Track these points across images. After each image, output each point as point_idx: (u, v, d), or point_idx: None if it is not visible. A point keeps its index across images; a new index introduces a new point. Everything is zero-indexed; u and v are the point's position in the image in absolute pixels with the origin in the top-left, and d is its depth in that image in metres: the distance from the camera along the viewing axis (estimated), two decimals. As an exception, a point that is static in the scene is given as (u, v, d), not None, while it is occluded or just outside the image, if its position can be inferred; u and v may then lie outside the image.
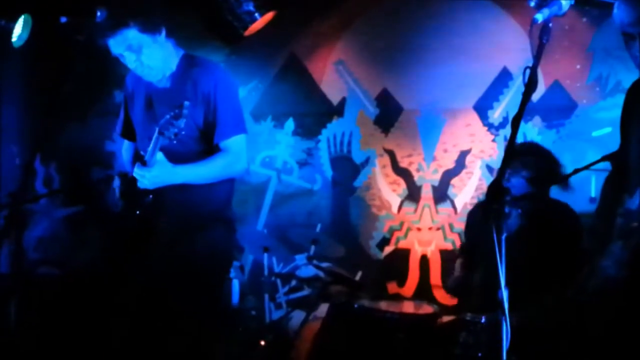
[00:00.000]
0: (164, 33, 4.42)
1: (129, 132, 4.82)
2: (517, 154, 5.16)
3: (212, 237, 4.47)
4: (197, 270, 4.36)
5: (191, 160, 4.36)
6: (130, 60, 4.39)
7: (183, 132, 4.13)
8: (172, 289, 4.31)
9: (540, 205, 5.11)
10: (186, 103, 4.10)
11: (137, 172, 4.25)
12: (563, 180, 4.70)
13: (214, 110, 4.35)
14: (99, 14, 4.77)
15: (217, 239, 4.52)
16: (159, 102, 4.50)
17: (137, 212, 4.37)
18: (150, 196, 4.32)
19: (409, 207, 6.73)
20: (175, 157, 4.27)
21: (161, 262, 4.36)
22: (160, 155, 4.20)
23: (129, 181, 4.47)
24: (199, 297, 4.37)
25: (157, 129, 4.12)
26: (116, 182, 4.60)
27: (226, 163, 4.42)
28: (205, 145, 4.44)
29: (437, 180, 6.64)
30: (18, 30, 5.81)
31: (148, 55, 4.37)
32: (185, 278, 4.31)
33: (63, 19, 4.93)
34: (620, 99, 3.96)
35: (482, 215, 5.38)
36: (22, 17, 5.82)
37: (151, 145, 4.20)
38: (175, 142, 4.13)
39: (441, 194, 6.63)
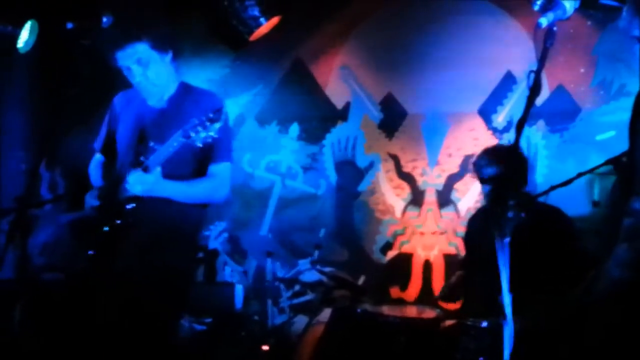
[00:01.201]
0: (171, 55, 4.47)
1: (107, 150, 4.83)
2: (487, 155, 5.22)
3: (176, 256, 4.45)
4: (158, 284, 4.35)
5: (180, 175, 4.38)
6: (137, 73, 4.40)
7: (216, 136, 4.14)
8: (135, 297, 4.31)
9: (533, 211, 5.12)
10: (223, 108, 4.13)
11: (136, 177, 4.24)
12: (566, 184, 4.69)
13: (214, 137, 4.35)
14: (104, 20, 4.79)
15: (180, 258, 4.50)
16: (152, 123, 4.50)
17: (118, 221, 4.37)
18: (133, 205, 4.32)
19: (412, 212, 6.73)
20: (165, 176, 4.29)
21: (125, 272, 4.36)
22: (158, 169, 4.22)
23: (106, 194, 4.47)
24: (157, 308, 4.36)
25: (180, 132, 4.10)
26: (89, 199, 4.61)
27: (211, 186, 4.46)
28: (196, 167, 4.45)
29: (441, 185, 6.65)
30: (24, 35, 5.85)
31: (154, 71, 4.40)
32: (146, 288, 4.31)
33: (69, 25, 4.95)
34: (624, 103, 3.98)
35: (485, 220, 5.38)
36: (29, 23, 5.85)
37: (164, 149, 4.19)
38: (200, 145, 4.13)
39: (445, 199, 6.64)
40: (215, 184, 4.46)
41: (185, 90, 4.58)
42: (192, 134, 4.06)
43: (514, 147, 3.49)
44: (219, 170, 4.46)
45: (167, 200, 4.36)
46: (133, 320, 4.29)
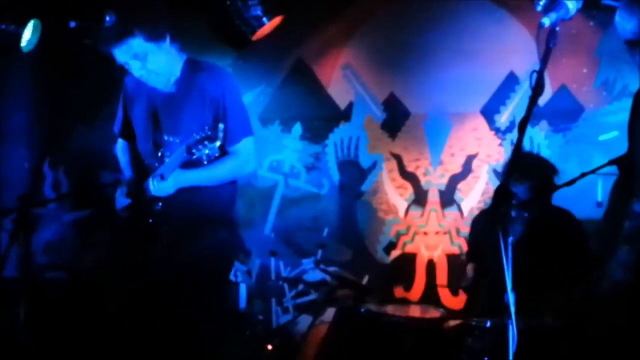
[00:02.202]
0: (168, 39, 4.44)
1: (127, 132, 4.83)
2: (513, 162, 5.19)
3: (216, 240, 4.48)
4: (201, 273, 4.37)
5: (197, 164, 4.36)
6: (135, 68, 4.40)
7: (217, 155, 4.15)
8: (177, 291, 4.32)
9: (543, 213, 5.12)
10: (221, 125, 4.12)
11: (155, 185, 4.25)
12: (570, 184, 4.70)
13: (224, 116, 4.36)
14: (107, 18, 4.79)
15: (221, 241, 4.53)
16: (163, 108, 4.52)
17: (150, 220, 4.38)
18: (160, 204, 4.34)
19: (415, 212, 6.74)
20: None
21: (165, 266, 4.37)
22: (171, 176, 4.23)
23: (136, 191, 4.49)
24: (203, 299, 4.38)
25: (184, 146, 4.11)
26: (120, 192, 4.62)
27: (235, 165, 4.47)
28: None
29: (443, 185, 6.65)
30: (27, 35, 5.85)
31: (153, 62, 4.38)
32: (189, 280, 4.32)
33: (72, 24, 4.96)
34: (627, 103, 3.96)
35: (488, 219, 5.38)
36: (32, 22, 5.85)
37: (171, 160, 4.21)
38: (206, 162, 4.15)
39: (448, 198, 6.64)
40: (240, 160, 4.48)
41: (191, 69, 4.55)
42: (195, 152, 4.08)
43: (516, 149, 3.49)
44: (240, 147, 4.46)
45: (192, 188, 4.37)
46: (173, 322, 4.30)
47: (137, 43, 4.32)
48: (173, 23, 4.59)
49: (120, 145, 4.98)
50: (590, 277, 4.20)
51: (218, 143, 4.09)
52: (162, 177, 4.21)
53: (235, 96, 4.49)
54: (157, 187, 4.24)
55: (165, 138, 4.40)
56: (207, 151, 4.08)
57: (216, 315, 4.60)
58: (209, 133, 4.05)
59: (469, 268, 5.65)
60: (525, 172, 5.06)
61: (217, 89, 4.41)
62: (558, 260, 4.98)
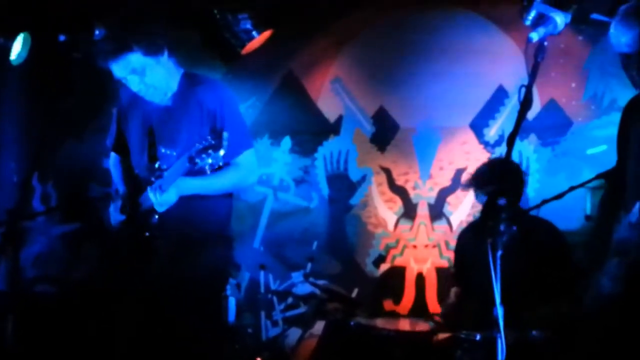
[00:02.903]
0: (166, 53, 4.43)
1: (120, 146, 4.82)
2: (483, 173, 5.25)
3: (211, 255, 4.45)
4: (196, 288, 4.35)
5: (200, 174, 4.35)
6: (134, 83, 4.39)
7: (221, 164, 4.11)
8: (171, 305, 4.30)
9: (524, 225, 5.14)
10: (225, 134, 4.06)
11: (157, 198, 4.22)
12: (558, 198, 4.71)
13: (221, 129, 4.33)
14: (97, 32, 4.78)
15: (216, 256, 4.51)
16: (159, 121, 4.50)
17: (147, 233, 4.36)
18: (156, 217, 4.32)
19: (405, 225, 6.74)
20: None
21: (160, 280, 4.35)
22: (171, 187, 4.21)
23: (131, 205, 4.48)
24: (197, 313, 4.36)
25: (186, 156, 4.07)
26: (114, 207, 4.61)
27: (238, 176, 4.46)
28: None
29: (433, 198, 6.66)
30: (17, 48, 5.84)
31: (152, 76, 4.37)
32: (183, 295, 4.30)
33: (61, 37, 4.96)
34: (615, 117, 3.99)
35: (477, 233, 5.40)
36: (21, 35, 5.85)
37: (171, 171, 4.19)
38: (209, 171, 4.12)
39: (437, 212, 6.65)
40: (242, 171, 4.47)
41: (187, 84, 4.53)
42: (198, 161, 4.04)
43: (506, 161, 3.51)
44: (243, 159, 4.45)
45: (191, 198, 4.34)
46: (168, 333, 4.28)
47: (136, 58, 4.31)
48: (167, 34, 4.59)
49: (113, 159, 4.97)
50: (575, 289, 4.22)
51: (222, 152, 4.02)
52: (161, 189, 4.19)
53: (233, 109, 4.49)
54: (160, 200, 4.21)
55: (162, 150, 4.37)
56: (210, 160, 4.01)
57: (211, 330, 4.58)
58: (213, 142, 4.00)
59: (452, 293, 5.67)
60: (491, 178, 5.10)
61: (214, 102, 4.40)
62: (543, 272, 4.99)
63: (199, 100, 4.40)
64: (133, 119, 4.65)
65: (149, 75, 4.37)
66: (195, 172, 4.16)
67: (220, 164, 4.09)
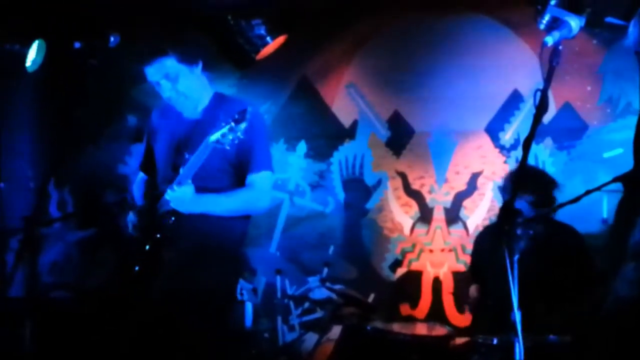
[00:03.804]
0: (200, 65, 4.46)
1: (147, 166, 4.83)
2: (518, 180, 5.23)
3: (219, 274, 4.42)
4: (200, 304, 4.33)
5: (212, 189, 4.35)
6: (166, 88, 4.40)
7: (242, 137, 4.12)
8: (174, 317, 4.29)
9: (547, 229, 5.13)
10: (249, 108, 4.10)
11: (172, 193, 4.23)
12: (575, 202, 4.70)
13: (249, 144, 4.33)
14: (112, 39, 4.81)
15: (224, 276, 4.48)
16: (187, 134, 4.48)
17: (158, 235, 4.36)
18: (173, 218, 4.32)
19: (421, 229, 6.74)
20: (202, 187, 4.27)
21: (165, 292, 4.34)
22: (189, 182, 4.20)
23: (146, 205, 4.49)
24: (199, 328, 4.34)
25: (207, 139, 4.10)
26: (130, 217, 4.61)
27: (249, 197, 4.40)
28: (236, 179, 4.42)
29: (449, 202, 6.66)
30: (32, 55, 5.88)
31: (184, 84, 4.38)
32: (187, 308, 4.29)
33: (77, 44, 4.98)
34: (630, 120, 3.99)
35: (494, 237, 5.39)
36: (36, 42, 5.88)
37: (195, 159, 4.18)
38: (228, 147, 4.12)
39: (453, 216, 6.65)
40: (255, 194, 4.40)
41: (219, 101, 4.55)
42: (220, 138, 4.07)
43: (521, 166, 3.50)
44: (258, 179, 4.39)
45: (208, 216, 4.34)
46: (170, 340, 4.27)
47: (170, 63, 4.34)
48: (204, 50, 4.60)
49: (138, 180, 4.96)
50: (594, 293, 4.20)
51: (244, 125, 4.05)
52: (180, 183, 4.20)
53: (260, 129, 4.43)
54: (175, 194, 4.21)
55: (186, 156, 4.36)
56: (230, 136, 4.06)
57: (210, 345, 4.55)
58: (236, 116, 4.05)
59: (473, 289, 5.66)
60: (525, 186, 5.08)
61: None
62: (562, 276, 4.98)
63: (227, 115, 4.38)
64: (162, 135, 4.65)
65: (181, 83, 4.38)
66: (208, 189, 4.21)
67: (241, 136, 4.09)
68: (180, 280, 4.32)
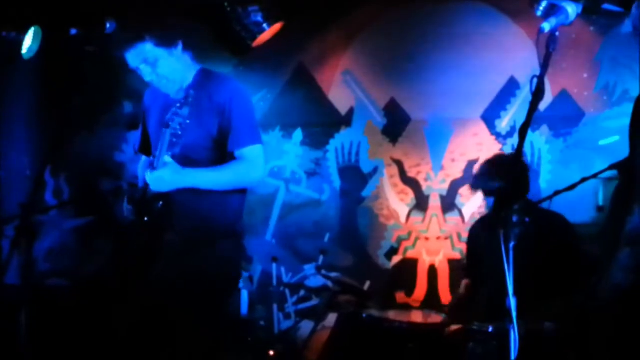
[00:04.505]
0: (180, 46, 4.42)
1: (145, 148, 4.81)
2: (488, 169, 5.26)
3: (221, 252, 4.40)
4: (205, 285, 4.32)
5: (200, 164, 4.34)
6: (146, 73, 4.39)
7: (188, 122, 4.14)
8: (179, 302, 4.28)
9: (535, 216, 5.13)
10: (192, 92, 4.15)
11: (148, 176, 4.25)
12: (571, 189, 4.70)
13: (229, 120, 4.31)
14: (108, 25, 4.79)
15: (226, 253, 4.46)
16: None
17: (146, 218, 4.35)
18: (161, 202, 4.30)
19: (417, 217, 6.74)
20: (188, 165, 4.27)
21: (168, 275, 4.33)
22: (168, 158, 4.20)
23: (139, 190, 4.47)
24: (205, 311, 4.34)
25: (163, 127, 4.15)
26: (126, 192, 4.60)
27: (241, 170, 4.35)
28: (219, 154, 4.37)
29: (445, 190, 6.66)
30: (28, 42, 5.85)
31: (164, 67, 4.36)
32: (192, 292, 4.28)
33: (73, 31, 4.96)
34: (627, 108, 3.98)
35: (490, 225, 5.40)
36: (32, 29, 5.85)
37: (159, 146, 4.21)
38: (180, 132, 4.15)
39: (449, 204, 6.65)
40: (245, 166, 4.35)
41: (203, 78, 4.51)
42: (170, 123, 4.14)
43: (517, 154, 3.50)
44: (247, 152, 4.35)
45: (203, 193, 4.31)
46: (168, 326, 4.26)
47: (148, 48, 4.31)
48: (183, 28, 4.58)
49: (141, 162, 4.94)
50: (588, 280, 4.20)
51: (186, 110, 4.14)
52: (152, 166, 4.21)
53: (242, 103, 4.41)
54: (152, 177, 4.22)
55: (174, 140, 4.36)
56: (180, 120, 4.13)
57: (217, 327, 4.56)
58: (181, 101, 4.15)
59: (462, 285, 5.68)
60: (492, 173, 5.11)
61: (224, 95, 4.36)
62: (555, 264, 4.99)
63: (209, 93, 4.39)
64: (154, 116, 4.66)
65: (161, 66, 4.36)
66: (191, 162, 4.24)
67: (188, 121, 4.14)
68: (180, 261, 4.31)
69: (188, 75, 4.50)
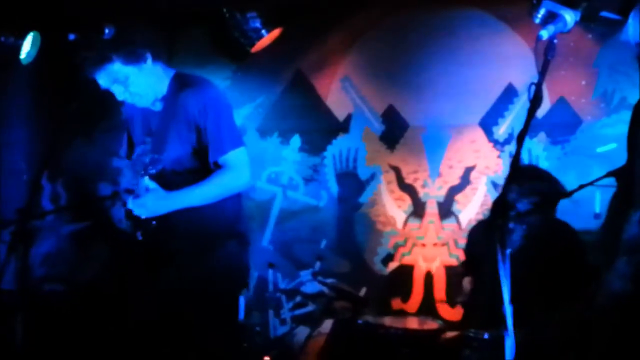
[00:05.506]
0: (149, 59, 4.36)
1: (132, 154, 4.81)
2: (523, 179, 5.21)
3: (226, 255, 4.40)
4: (214, 290, 4.31)
5: (189, 179, 4.32)
6: (119, 92, 4.34)
7: (215, 129, 4.20)
8: (188, 310, 4.26)
9: (541, 224, 5.12)
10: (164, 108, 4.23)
11: (131, 204, 4.24)
12: (568, 196, 4.71)
13: (205, 130, 4.27)
14: (106, 31, 4.78)
15: (231, 256, 4.45)
16: (156, 126, 4.48)
17: (140, 237, 4.34)
18: (154, 222, 4.29)
19: (413, 223, 6.74)
20: (171, 178, 4.26)
21: (175, 286, 4.32)
22: (151, 184, 4.19)
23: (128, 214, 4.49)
24: (216, 316, 4.33)
25: (142, 168, 4.17)
26: (123, 198, 4.60)
27: (226, 180, 4.32)
28: (204, 161, 4.36)
29: (442, 197, 6.66)
30: (26, 47, 5.86)
31: (136, 84, 4.32)
32: (201, 299, 4.26)
33: (71, 36, 4.96)
34: (625, 115, 3.98)
35: (486, 231, 5.39)
36: (31, 34, 5.86)
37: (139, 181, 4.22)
38: (157, 156, 4.19)
39: (446, 210, 6.64)
40: (230, 174, 4.32)
41: (177, 86, 4.45)
42: (150, 170, 4.19)
43: (515, 161, 3.49)
44: (230, 159, 4.32)
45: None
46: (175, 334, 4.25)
47: (117, 68, 4.27)
48: (154, 42, 4.56)
49: None
50: (587, 288, 4.20)
51: (161, 163, 4.21)
52: (133, 192, 4.22)
53: (217, 110, 4.36)
54: (133, 205, 4.23)
55: (155, 156, 4.33)
56: (160, 167, 4.22)
57: (228, 332, 4.55)
58: (155, 156, 4.21)
59: (466, 281, 5.66)
60: (528, 187, 5.08)
61: (197, 105, 4.31)
62: (555, 272, 4.98)
63: (184, 104, 4.33)
64: (136, 125, 4.63)
65: (132, 84, 4.31)
66: (173, 173, 4.28)
67: (160, 167, 4.19)
68: (187, 272, 4.30)
69: (162, 86, 4.44)
